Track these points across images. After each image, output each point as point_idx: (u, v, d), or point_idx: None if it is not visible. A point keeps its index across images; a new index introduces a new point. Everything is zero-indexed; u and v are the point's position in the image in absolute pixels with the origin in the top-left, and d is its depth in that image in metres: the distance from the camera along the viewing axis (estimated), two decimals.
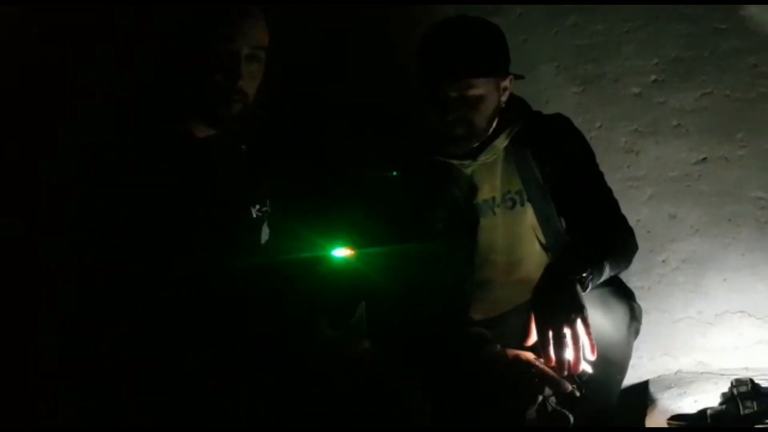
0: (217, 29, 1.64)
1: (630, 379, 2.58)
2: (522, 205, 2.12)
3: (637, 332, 2.10)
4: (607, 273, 1.98)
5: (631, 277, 2.57)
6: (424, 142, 2.10)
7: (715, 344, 2.58)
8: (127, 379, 1.62)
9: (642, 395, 2.52)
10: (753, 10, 2.50)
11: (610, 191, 2.15)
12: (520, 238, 2.13)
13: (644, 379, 2.58)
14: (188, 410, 1.64)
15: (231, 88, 1.66)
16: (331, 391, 1.71)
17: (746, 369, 2.49)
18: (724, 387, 2.00)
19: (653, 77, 2.55)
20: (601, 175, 2.17)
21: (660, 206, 2.57)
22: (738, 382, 2.00)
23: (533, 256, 2.14)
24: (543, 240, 2.13)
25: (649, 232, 2.56)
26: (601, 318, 1.95)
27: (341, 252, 1.74)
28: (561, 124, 2.18)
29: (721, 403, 2.01)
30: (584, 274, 1.87)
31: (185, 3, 1.68)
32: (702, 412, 2.04)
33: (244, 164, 1.78)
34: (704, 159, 2.57)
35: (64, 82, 2.43)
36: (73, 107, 2.41)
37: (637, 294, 2.50)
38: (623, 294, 2.10)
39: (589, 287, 1.89)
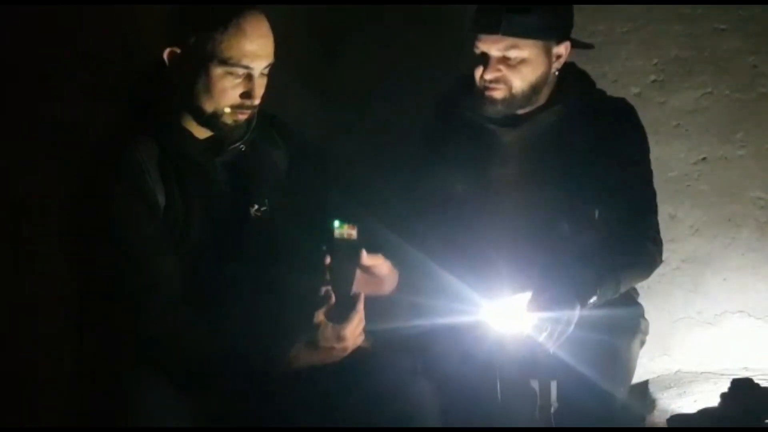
0: (236, 52, 1.63)
1: None
2: (555, 187, 1.99)
3: (642, 344, 2.08)
4: (620, 290, 1.92)
5: None
6: (466, 101, 2.01)
7: (715, 344, 2.59)
8: (127, 378, 1.62)
9: (642, 395, 2.52)
10: (753, 10, 2.51)
11: (652, 197, 2.04)
12: (544, 220, 2.01)
13: (644, 379, 2.58)
14: (190, 408, 1.64)
15: (243, 105, 1.68)
16: (332, 386, 1.71)
17: (746, 369, 2.49)
18: (724, 387, 2.00)
19: (653, 77, 2.55)
20: (647, 179, 2.04)
21: (660, 206, 2.55)
22: (738, 383, 2.00)
23: (551, 241, 2.01)
24: (566, 227, 2.00)
25: None
26: (608, 330, 1.91)
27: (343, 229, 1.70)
28: (622, 113, 2.04)
29: (720, 404, 2.01)
30: (593, 299, 1.83)
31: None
32: (702, 412, 2.04)
33: (243, 164, 1.77)
34: (704, 159, 2.57)
35: (66, 78, 2.44)
36: (75, 103, 2.42)
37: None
38: (632, 307, 2.06)
39: (595, 304, 1.85)
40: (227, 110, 1.67)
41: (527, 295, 1.83)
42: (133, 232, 1.63)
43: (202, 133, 1.73)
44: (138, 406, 1.58)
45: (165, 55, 1.66)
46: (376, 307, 1.96)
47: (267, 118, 1.81)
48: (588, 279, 1.84)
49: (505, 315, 1.85)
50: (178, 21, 1.67)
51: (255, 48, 1.64)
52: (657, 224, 2.04)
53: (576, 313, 1.79)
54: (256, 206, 1.78)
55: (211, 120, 1.69)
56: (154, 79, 1.72)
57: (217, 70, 1.64)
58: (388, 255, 1.81)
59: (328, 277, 1.67)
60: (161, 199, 1.67)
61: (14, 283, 2.48)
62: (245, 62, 1.64)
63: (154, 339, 1.62)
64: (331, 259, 1.67)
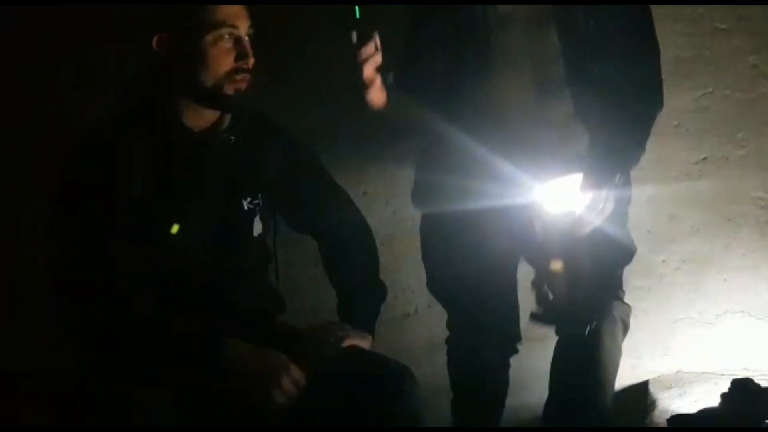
0: (221, 15, 1.67)
1: (630, 379, 2.58)
2: (548, 31, 1.95)
3: (626, 329, 2.12)
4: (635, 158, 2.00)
5: (631, 276, 2.56)
6: None
7: (716, 344, 2.59)
8: (123, 374, 1.62)
9: (642, 395, 2.52)
10: (753, 10, 2.50)
11: (653, 43, 2.00)
12: (540, 64, 1.98)
13: (644, 379, 2.58)
14: (182, 407, 1.64)
15: (241, 69, 1.70)
16: (329, 386, 1.71)
17: (746, 369, 2.49)
18: (724, 387, 2.00)
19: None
20: (646, 27, 1.99)
21: (660, 206, 2.57)
22: (738, 383, 2.00)
23: (548, 85, 1.99)
24: (563, 70, 1.98)
25: (649, 232, 2.55)
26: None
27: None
28: None
29: (721, 404, 2.01)
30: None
31: None
32: (702, 413, 2.04)
33: (234, 156, 1.78)
34: (704, 159, 2.57)
35: (61, 72, 2.45)
36: (71, 98, 2.43)
37: (638, 294, 2.52)
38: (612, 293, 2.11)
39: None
40: (227, 79, 1.69)
41: (575, 176, 1.90)
42: (123, 228, 1.63)
43: (198, 123, 1.73)
44: (137, 406, 1.58)
45: (154, 44, 1.68)
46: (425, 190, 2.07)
47: (257, 115, 1.82)
48: (616, 155, 1.93)
49: (556, 195, 1.91)
50: (162, 7, 1.69)
51: (236, 9, 1.69)
52: (659, 68, 2.03)
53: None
54: (249, 198, 1.79)
55: (214, 95, 1.70)
56: (149, 75, 1.73)
57: (207, 38, 1.66)
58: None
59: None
60: (153, 194, 1.67)
61: (14, 282, 2.49)
62: (231, 21, 1.68)
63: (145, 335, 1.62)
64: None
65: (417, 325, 2.68)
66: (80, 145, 1.69)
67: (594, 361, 2.04)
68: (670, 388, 2.49)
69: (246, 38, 1.70)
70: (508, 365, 2.24)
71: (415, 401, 1.71)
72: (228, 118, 1.76)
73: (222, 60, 1.68)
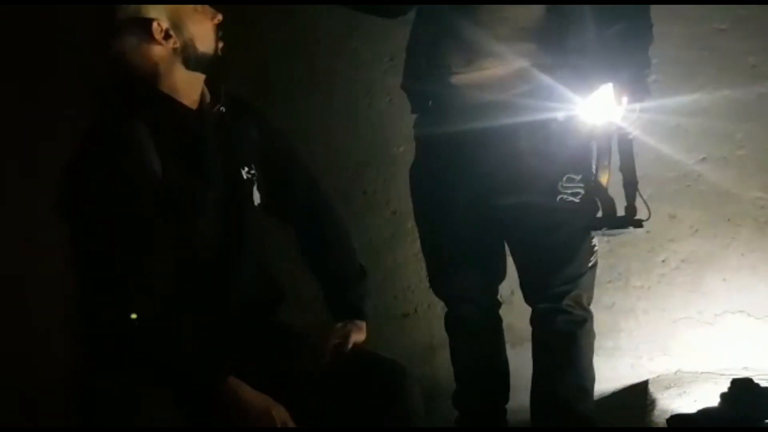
0: None
1: (630, 378, 2.59)
2: None
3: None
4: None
5: (631, 276, 2.58)
6: None
7: (715, 344, 2.59)
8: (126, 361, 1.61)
9: (641, 395, 2.53)
10: (753, 10, 2.51)
11: None
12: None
13: (644, 378, 2.58)
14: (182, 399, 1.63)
15: (216, 25, 1.75)
16: (326, 384, 1.72)
17: (746, 369, 2.49)
18: (724, 387, 2.00)
19: (653, 77, 2.53)
20: None
21: (660, 206, 2.56)
22: (737, 382, 2.00)
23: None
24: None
25: (648, 232, 2.54)
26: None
27: None
28: None
29: (720, 404, 2.01)
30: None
31: None
32: (702, 412, 2.04)
33: (228, 126, 1.78)
34: (704, 159, 2.58)
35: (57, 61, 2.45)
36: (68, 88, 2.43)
37: (637, 294, 2.52)
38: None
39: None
40: (216, 38, 1.74)
41: (605, 87, 1.95)
42: (126, 207, 1.62)
43: (191, 99, 1.74)
44: (137, 405, 1.58)
45: (153, 30, 1.68)
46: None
47: (229, 91, 1.83)
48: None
49: (597, 108, 1.96)
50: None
51: None
52: None
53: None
54: (246, 168, 1.79)
55: (217, 57, 1.74)
56: (135, 61, 1.73)
57: (188, 9, 1.71)
58: None
59: None
60: (154, 172, 1.66)
61: (14, 282, 2.49)
62: None
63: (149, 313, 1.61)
64: None
65: (417, 325, 2.69)
66: (88, 137, 1.68)
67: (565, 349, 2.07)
68: (670, 387, 2.49)
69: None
70: (499, 319, 2.23)
71: (414, 401, 1.71)
72: (207, 92, 1.78)
73: (206, 23, 1.73)
